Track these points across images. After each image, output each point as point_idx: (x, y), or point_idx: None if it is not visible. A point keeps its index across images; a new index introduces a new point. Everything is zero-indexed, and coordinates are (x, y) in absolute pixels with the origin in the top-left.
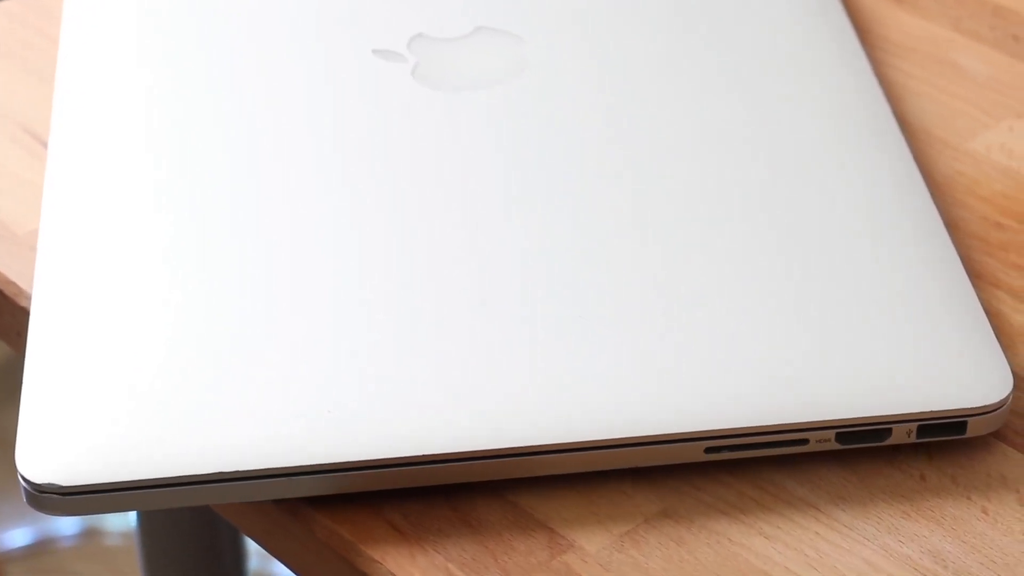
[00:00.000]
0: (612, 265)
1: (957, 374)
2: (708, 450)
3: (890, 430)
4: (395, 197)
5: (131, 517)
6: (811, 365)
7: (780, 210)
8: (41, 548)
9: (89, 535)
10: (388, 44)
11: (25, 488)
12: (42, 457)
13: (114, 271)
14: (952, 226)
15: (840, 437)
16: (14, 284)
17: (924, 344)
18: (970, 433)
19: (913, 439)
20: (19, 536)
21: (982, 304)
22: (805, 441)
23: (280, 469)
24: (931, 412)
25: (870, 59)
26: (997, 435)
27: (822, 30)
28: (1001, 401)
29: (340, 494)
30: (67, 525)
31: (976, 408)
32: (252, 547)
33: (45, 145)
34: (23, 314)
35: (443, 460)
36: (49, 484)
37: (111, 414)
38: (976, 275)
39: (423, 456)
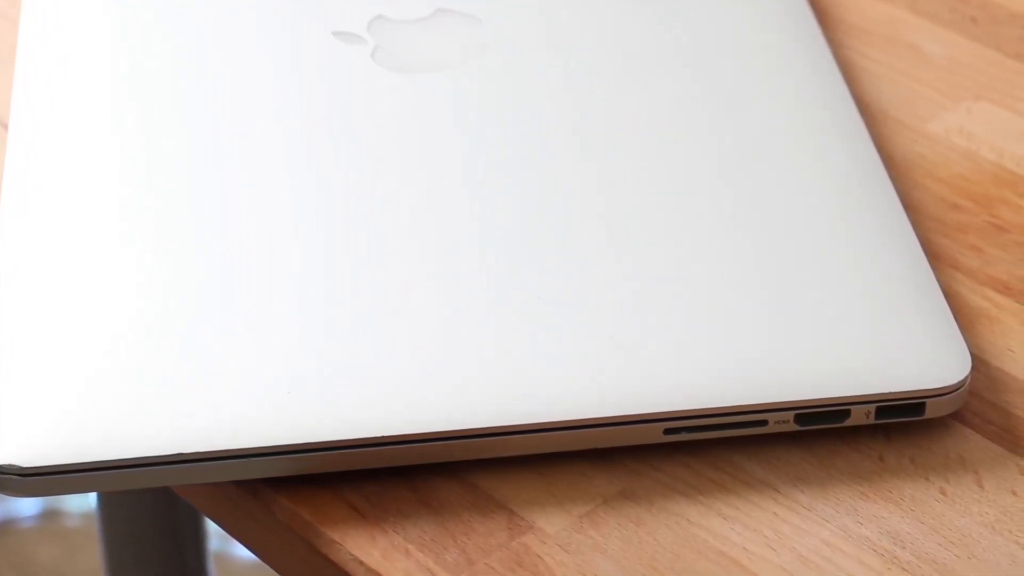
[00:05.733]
0: (571, 247)
1: (915, 355)
2: (667, 431)
3: (848, 411)
4: (355, 180)
5: (91, 498)
6: (770, 346)
7: (738, 193)
8: (1, 529)
9: (49, 516)
10: (348, 26)
11: None
12: (2, 438)
13: (75, 253)
14: (910, 208)
15: (799, 418)
16: None
17: (883, 325)
18: (928, 414)
19: (872, 420)
20: None
21: (940, 286)
22: (764, 422)
23: (240, 450)
24: (889, 393)
25: (829, 42)
26: (955, 416)
27: (780, 12)
28: (959, 382)
29: (300, 475)
30: (27, 506)
31: (934, 389)
32: (212, 528)
33: (6, 126)
34: None
35: (403, 441)
36: (9, 465)
37: (71, 395)
38: (934, 257)
39: (383, 437)
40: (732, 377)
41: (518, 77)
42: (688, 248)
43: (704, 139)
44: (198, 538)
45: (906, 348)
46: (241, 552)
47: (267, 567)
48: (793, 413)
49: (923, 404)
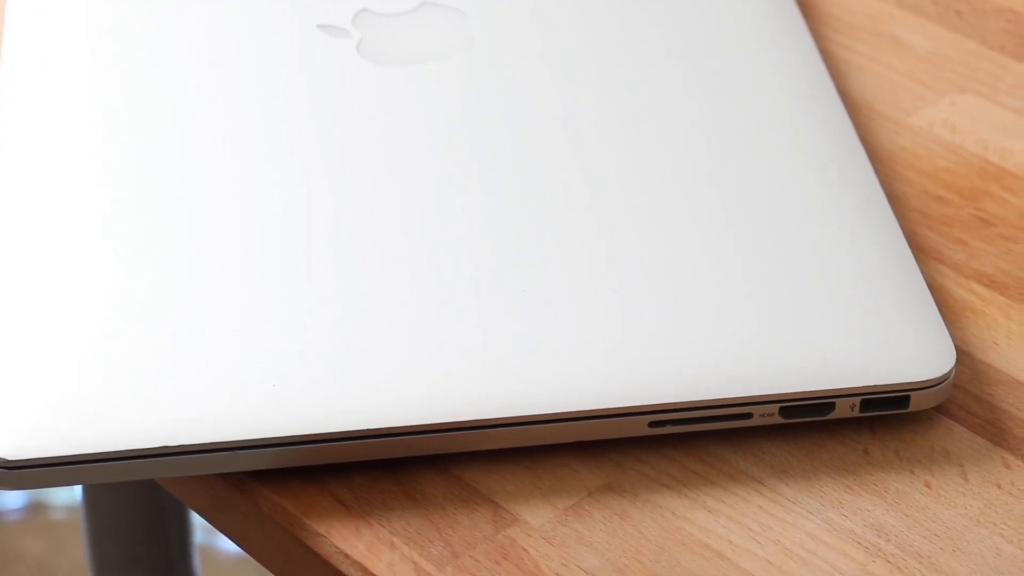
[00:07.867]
0: (556, 239)
1: (900, 348)
2: (652, 424)
3: (833, 404)
4: (340, 173)
5: (76, 491)
6: (755, 339)
7: (723, 185)
8: None
9: (34, 509)
10: (333, 19)
11: None
12: None
13: (57, 245)
14: (895, 200)
15: (784, 411)
16: None
17: (867, 318)
18: (913, 407)
19: (856, 413)
20: None
21: (925, 279)
22: (749, 415)
23: (225, 443)
24: (874, 386)
25: (813, 34)
26: (940, 409)
27: (766, 5)
28: (944, 375)
29: (285, 468)
30: (12, 499)
31: (919, 382)
32: (197, 521)
33: None
34: None
35: (388, 434)
36: None
37: (56, 388)
38: (919, 249)
39: (368, 430)
40: (717, 370)
41: (504, 71)
42: (673, 241)
43: (689, 132)
44: (183, 531)
45: (891, 341)
46: (226, 545)
47: (252, 560)
48: (778, 406)
49: (908, 397)
